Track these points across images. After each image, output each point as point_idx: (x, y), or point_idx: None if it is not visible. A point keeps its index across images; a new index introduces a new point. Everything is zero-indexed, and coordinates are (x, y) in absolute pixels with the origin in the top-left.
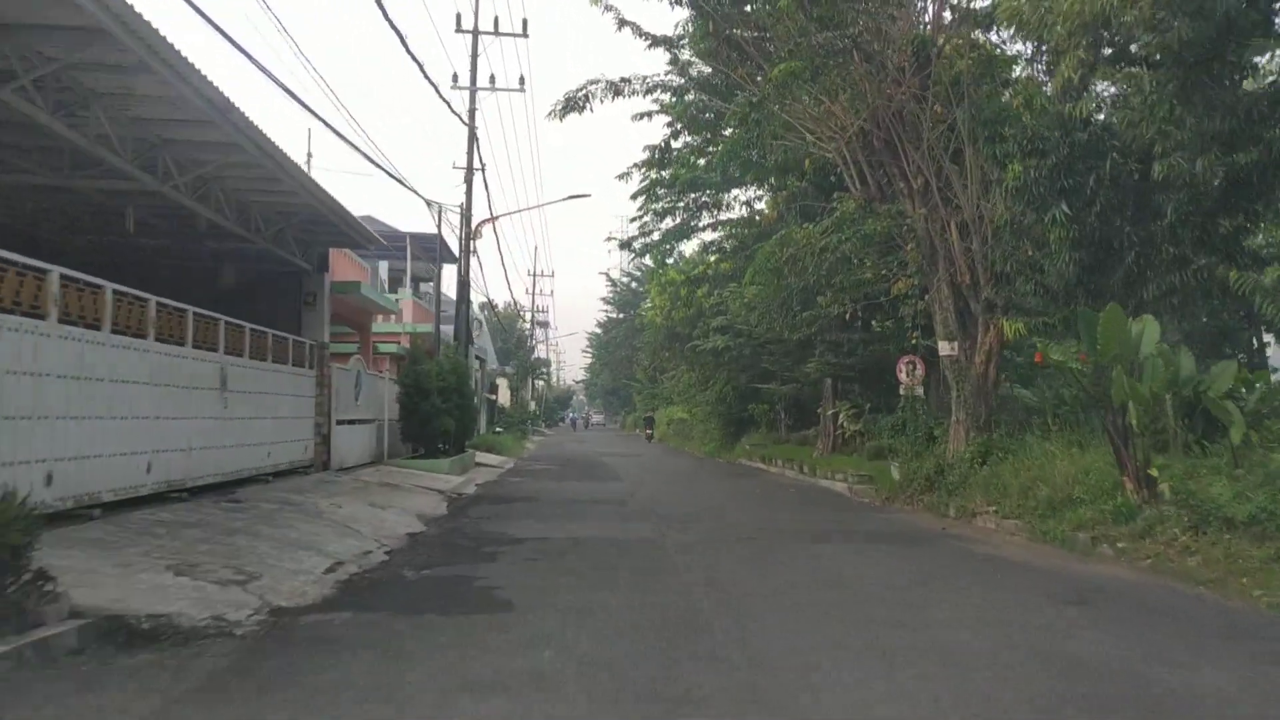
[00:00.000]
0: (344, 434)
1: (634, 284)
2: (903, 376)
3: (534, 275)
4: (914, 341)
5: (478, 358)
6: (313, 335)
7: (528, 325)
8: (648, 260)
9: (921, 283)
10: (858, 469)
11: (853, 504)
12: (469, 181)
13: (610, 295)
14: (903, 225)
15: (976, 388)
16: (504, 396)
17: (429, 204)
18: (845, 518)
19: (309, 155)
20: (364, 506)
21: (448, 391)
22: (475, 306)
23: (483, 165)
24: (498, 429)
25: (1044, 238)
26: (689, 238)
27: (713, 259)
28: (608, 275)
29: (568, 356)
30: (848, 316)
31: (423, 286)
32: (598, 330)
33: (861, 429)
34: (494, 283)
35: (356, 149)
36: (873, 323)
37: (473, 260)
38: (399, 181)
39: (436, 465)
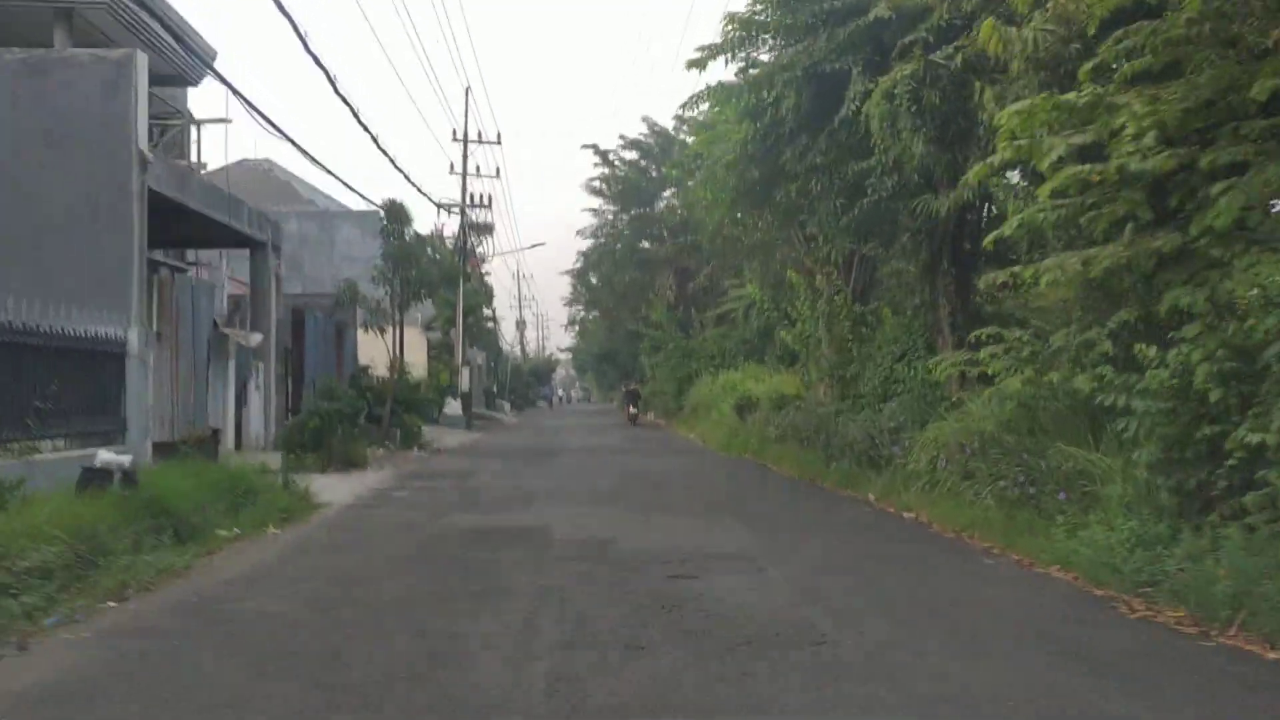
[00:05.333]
0: None
1: (643, 161)
2: None
3: (464, 139)
4: None
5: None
6: None
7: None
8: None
9: None
10: None
11: None
12: None
13: (601, 182)
14: None
15: None
16: (370, 354)
17: None
18: None
19: None
20: None
21: None
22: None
23: None
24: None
25: None
26: None
27: None
28: (596, 149)
29: (551, 311)
30: None
31: None
32: (583, 256)
33: None
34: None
35: None
36: None
37: None
38: None
39: None
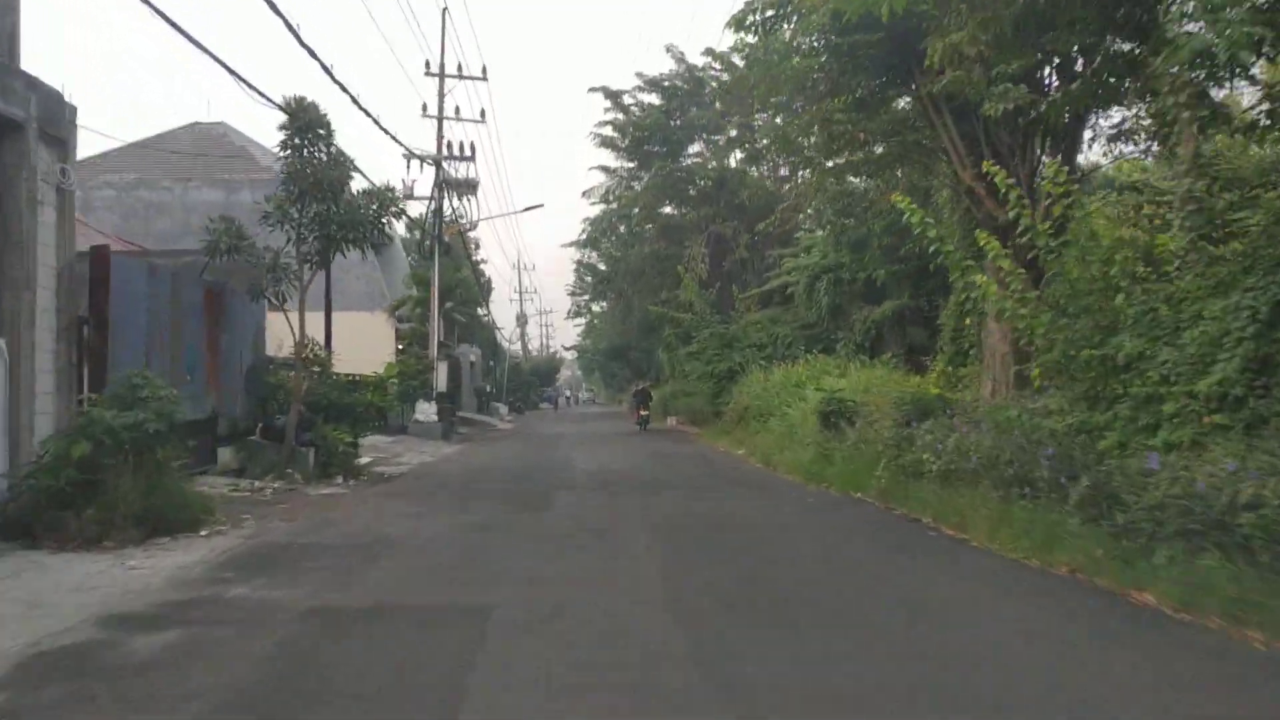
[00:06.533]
0: None
1: (668, 105)
2: None
3: (440, 72)
4: None
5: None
6: None
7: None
8: None
9: None
10: None
11: None
12: None
13: (615, 130)
14: None
15: None
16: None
17: None
18: None
19: None
20: None
21: None
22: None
23: None
24: None
25: None
26: None
27: None
28: (607, 91)
29: (556, 304)
30: None
31: None
32: (590, 224)
33: None
34: None
35: None
36: None
37: None
38: None
39: None
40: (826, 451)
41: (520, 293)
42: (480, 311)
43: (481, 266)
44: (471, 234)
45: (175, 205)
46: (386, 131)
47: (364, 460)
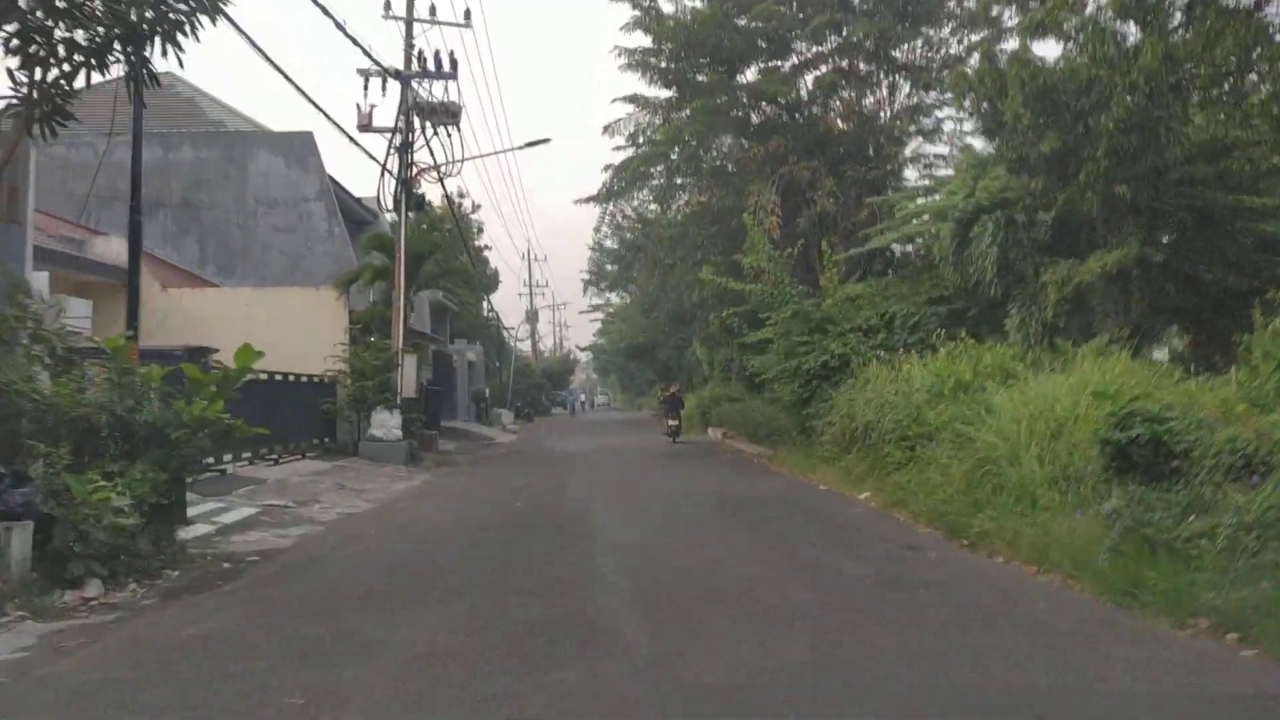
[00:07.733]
0: None
1: (724, 14)
2: None
3: None
4: None
5: None
6: None
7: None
8: None
9: None
10: None
11: None
12: None
13: (648, 36)
14: None
15: None
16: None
17: None
18: None
19: None
20: None
21: None
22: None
23: None
24: None
25: None
26: None
27: None
28: (637, 16)
29: (569, 296)
30: None
31: None
32: (613, 172)
33: None
34: None
35: None
36: None
37: None
38: None
39: None
40: (1151, 531)
41: (530, 285)
42: (486, 310)
43: (485, 254)
44: (474, 216)
45: (105, 166)
46: (372, 57)
47: (227, 520)
